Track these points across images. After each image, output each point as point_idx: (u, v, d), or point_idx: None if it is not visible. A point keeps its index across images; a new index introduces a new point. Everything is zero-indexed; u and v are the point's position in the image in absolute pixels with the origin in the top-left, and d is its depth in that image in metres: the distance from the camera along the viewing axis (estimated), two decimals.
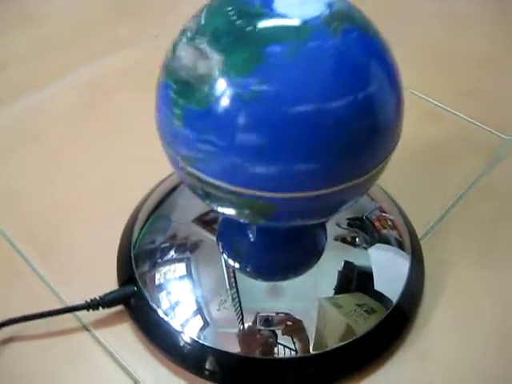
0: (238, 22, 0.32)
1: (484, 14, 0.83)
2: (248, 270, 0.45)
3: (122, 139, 0.61)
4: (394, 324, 0.44)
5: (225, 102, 0.31)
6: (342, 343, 0.42)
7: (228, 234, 0.47)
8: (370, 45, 0.34)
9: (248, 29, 0.32)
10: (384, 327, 0.43)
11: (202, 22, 0.35)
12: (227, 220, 0.47)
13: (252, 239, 0.45)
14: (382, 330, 0.43)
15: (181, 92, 0.33)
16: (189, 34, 0.34)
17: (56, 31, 0.79)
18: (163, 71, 0.35)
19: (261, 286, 0.45)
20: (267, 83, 0.31)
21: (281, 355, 0.41)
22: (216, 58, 0.32)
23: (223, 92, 0.31)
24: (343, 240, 0.49)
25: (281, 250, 0.45)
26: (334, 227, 0.49)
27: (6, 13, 0.83)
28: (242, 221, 0.38)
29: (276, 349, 0.42)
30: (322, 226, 0.47)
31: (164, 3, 0.84)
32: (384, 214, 0.52)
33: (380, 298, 0.45)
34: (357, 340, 0.42)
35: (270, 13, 0.32)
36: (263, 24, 0.32)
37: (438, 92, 0.67)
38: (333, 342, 0.42)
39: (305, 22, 0.32)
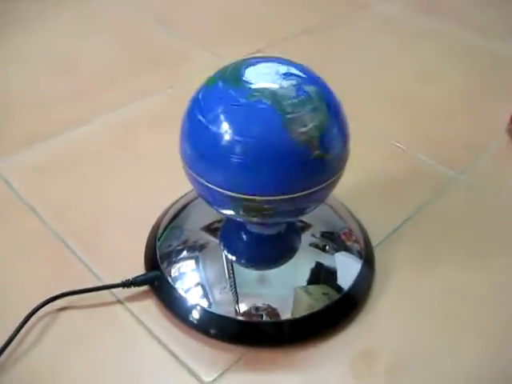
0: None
1: (447, 69, 1.01)
2: (242, 261, 0.61)
3: (145, 169, 0.78)
4: (344, 305, 0.60)
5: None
6: (304, 314, 0.57)
7: (228, 235, 0.62)
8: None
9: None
10: (336, 307, 0.59)
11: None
12: (227, 225, 0.63)
13: (245, 238, 0.61)
14: (335, 308, 0.59)
15: None
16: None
17: (88, 79, 0.96)
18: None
19: (252, 274, 0.61)
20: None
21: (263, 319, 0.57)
22: None
23: None
24: (316, 246, 0.64)
25: (266, 246, 0.62)
26: (310, 237, 0.65)
27: (43, 61, 1.00)
28: (238, 219, 0.54)
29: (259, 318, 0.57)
30: (297, 232, 0.63)
31: (178, 60, 1.02)
32: (349, 231, 0.67)
33: (340, 289, 0.61)
34: (314, 313, 0.57)
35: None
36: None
37: (402, 136, 0.84)
38: (298, 314, 0.57)
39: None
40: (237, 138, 0.48)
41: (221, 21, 1.17)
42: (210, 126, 0.49)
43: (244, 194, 0.49)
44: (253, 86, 0.49)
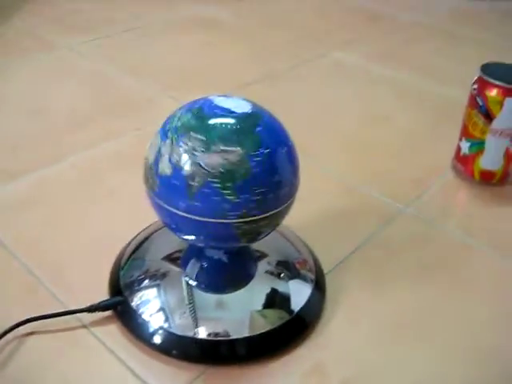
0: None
1: (399, 113, 1.08)
2: (202, 286, 0.65)
3: (111, 204, 0.82)
4: (296, 325, 0.64)
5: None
6: (258, 333, 0.61)
7: (188, 262, 0.66)
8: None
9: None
10: (288, 327, 0.63)
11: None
12: (188, 253, 0.67)
13: (205, 265, 0.65)
14: (287, 328, 0.63)
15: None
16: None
17: (57, 122, 1.01)
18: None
19: (211, 298, 0.65)
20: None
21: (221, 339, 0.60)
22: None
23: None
24: (271, 273, 0.69)
25: (224, 271, 0.66)
26: (265, 265, 0.69)
27: (14, 105, 1.05)
28: (199, 245, 0.58)
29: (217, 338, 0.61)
30: (253, 259, 0.67)
31: (143, 104, 1.08)
32: (303, 260, 0.72)
33: (293, 312, 0.65)
34: (267, 332, 0.62)
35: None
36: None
37: (353, 173, 0.91)
38: (253, 333, 0.61)
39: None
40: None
41: (183, 69, 1.24)
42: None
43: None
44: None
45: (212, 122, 0.55)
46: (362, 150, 0.97)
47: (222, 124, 0.55)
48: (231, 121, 0.55)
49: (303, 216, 0.79)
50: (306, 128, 1.01)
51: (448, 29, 1.53)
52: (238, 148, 0.54)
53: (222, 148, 0.54)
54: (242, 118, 0.56)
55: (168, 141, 0.56)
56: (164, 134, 0.57)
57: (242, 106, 0.57)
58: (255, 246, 0.68)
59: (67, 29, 1.41)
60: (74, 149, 0.94)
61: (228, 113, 0.56)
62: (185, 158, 0.54)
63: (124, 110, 1.06)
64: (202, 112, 0.56)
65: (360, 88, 1.19)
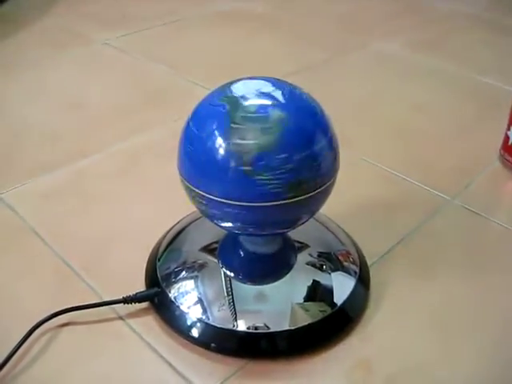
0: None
1: (441, 102, 1.04)
2: (240, 277, 0.63)
3: (148, 195, 0.81)
4: (339, 319, 0.61)
5: None
6: (301, 326, 0.59)
7: (226, 253, 0.64)
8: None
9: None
10: (331, 320, 0.60)
11: None
12: (225, 243, 0.65)
13: (242, 255, 0.63)
14: (329, 322, 0.60)
15: None
16: None
17: (94, 115, 1.01)
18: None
19: (250, 290, 0.62)
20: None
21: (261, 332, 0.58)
22: None
23: None
24: (313, 265, 0.66)
25: (262, 262, 0.64)
26: (307, 256, 0.66)
27: (53, 98, 1.05)
28: (236, 232, 0.56)
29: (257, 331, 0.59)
30: (292, 249, 0.65)
31: (181, 96, 1.06)
32: (346, 251, 0.69)
33: (335, 306, 0.62)
34: (310, 326, 0.59)
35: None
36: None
37: (397, 163, 0.87)
38: (295, 327, 0.59)
39: None
40: (196, 132, 0.53)
41: (220, 61, 1.22)
42: (207, 140, 0.52)
43: (243, 202, 0.52)
44: (228, 93, 0.53)
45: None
46: (406, 140, 0.94)
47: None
48: (279, 101, 0.53)
49: (346, 206, 0.77)
50: (348, 117, 0.98)
51: (490, 18, 1.47)
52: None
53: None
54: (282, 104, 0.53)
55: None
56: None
57: (281, 92, 0.54)
58: (296, 236, 0.66)
59: (104, 24, 1.41)
60: (112, 140, 0.93)
61: (267, 98, 0.53)
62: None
63: (161, 101, 1.05)
64: (235, 97, 0.54)
65: (401, 77, 1.15)
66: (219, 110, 0.53)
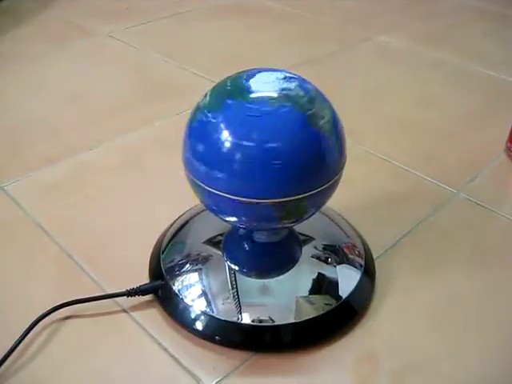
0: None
1: (448, 96, 1.03)
2: (245, 270, 0.62)
3: (151, 188, 0.80)
4: (344, 312, 0.61)
5: None
6: (305, 319, 0.58)
7: (230, 246, 0.64)
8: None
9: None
10: (336, 313, 0.60)
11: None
12: (230, 236, 0.64)
13: (247, 248, 0.62)
14: (335, 314, 0.60)
15: None
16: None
17: (97, 108, 1.00)
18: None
19: (254, 283, 0.62)
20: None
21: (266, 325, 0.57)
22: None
23: None
24: (318, 258, 0.65)
25: (267, 255, 0.63)
26: (312, 249, 0.66)
27: (56, 91, 1.05)
28: (241, 227, 0.55)
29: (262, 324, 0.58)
30: (297, 242, 0.64)
31: (184, 88, 1.05)
32: (352, 244, 0.68)
33: (340, 299, 0.61)
34: (315, 318, 0.58)
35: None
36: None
37: (403, 156, 0.86)
38: (300, 320, 0.58)
39: None
40: (271, 145, 0.50)
41: (225, 53, 1.21)
42: (240, 142, 0.51)
43: (249, 198, 0.51)
44: (265, 94, 0.52)
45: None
46: (411, 133, 0.93)
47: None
48: (274, 95, 0.52)
49: (351, 199, 0.76)
50: (353, 110, 0.98)
51: (495, 10, 1.46)
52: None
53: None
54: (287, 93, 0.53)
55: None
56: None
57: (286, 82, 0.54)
58: (301, 229, 0.65)
59: (107, 16, 1.41)
60: (114, 133, 0.92)
61: (272, 89, 0.53)
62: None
63: (164, 94, 1.04)
64: (241, 86, 0.53)
65: (406, 71, 1.15)
66: (282, 111, 0.51)
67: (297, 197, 0.51)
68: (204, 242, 0.66)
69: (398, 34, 1.31)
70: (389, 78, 1.11)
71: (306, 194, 0.52)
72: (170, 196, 0.77)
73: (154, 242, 0.69)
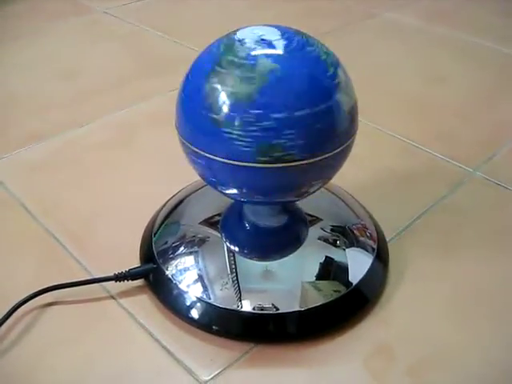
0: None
1: (459, 73, 0.97)
2: (245, 252, 0.56)
3: (146, 165, 0.75)
4: (354, 299, 0.55)
5: None
6: (312, 307, 0.52)
7: (229, 225, 0.58)
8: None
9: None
10: (345, 301, 0.54)
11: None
12: (228, 215, 0.58)
13: (248, 228, 0.57)
14: (344, 302, 0.54)
15: None
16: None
17: (91, 84, 0.94)
18: None
19: (256, 266, 0.56)
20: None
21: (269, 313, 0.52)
22: None
23: None
24: (325, 240, 0.60)
25: (269, 236, 0.58)
26: (319, 230, 0.60)
27: (49, 67, 0.99)
28: (242, 200, 0.50)
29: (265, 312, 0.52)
30: (303, 222, 0.59)
31: (178, 63, 0.99)
32: (363, 226, 0.63)
33: (351, 285, 0.56)
34: (322, 306, 0.53)
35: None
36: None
37: (415, 134, 0.81)
38: (306, 307, 0.52)
39: None
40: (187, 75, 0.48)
41: (223, 29, 1.14)
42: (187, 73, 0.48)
43: (248, 163, 0.46)
44: (230, 37, 0.48)
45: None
46: (423, 111, 0.87)
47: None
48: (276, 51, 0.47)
49: (362, 178, 0.70)
50: (361, 88, 0.90)
51: None
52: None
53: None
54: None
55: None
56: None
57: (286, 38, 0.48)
58: (307, 208, 0.60)
59: None
60: (107, 109, 0.87)
61: (265, 46, 0.47)
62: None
63: (159, 70, 0.99)
64: (233, 40, 0.47)
65: (415, 48, 1.09)
66: (213, 51, 0.47)
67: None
68: (200, 223, 0.61)
69: (406, 10, 1.25)
70: (397, 55, 1.05)
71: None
72: (164, 174, 0.71)
73: (146, 223, 0.63)
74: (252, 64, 0.45)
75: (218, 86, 0.45)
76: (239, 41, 0.47)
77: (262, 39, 0.47)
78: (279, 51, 0.46)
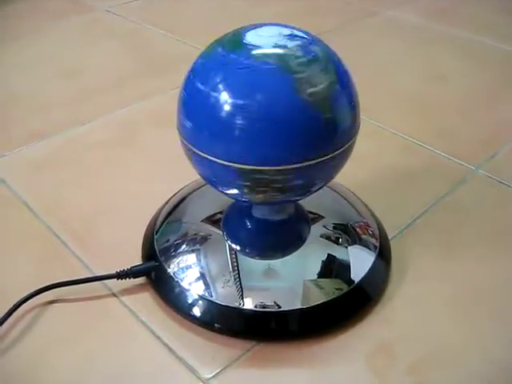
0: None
1: (460, 71, 0.97)
2: (247, 250, 0.56)
3: (148, 163, 0.74)
4: (356, 297, 0.55)
5: None
6: (314, 305, 0.52)
7: (231, 223, 0.58)
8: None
9: None
10: (347, 299, 0.54)
11: None
12: (230, 213, 0.58)
13: (250, 225, 0.57)
14: (346, 300, 0.54)
15: None
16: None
17: (92, 83, 0.94)
18: None
19: (257, 264, 0.56)
20: None
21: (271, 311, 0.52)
22: None
23: None
24: (328, 238, 0.60)
25: (271, 234, 0.58)
26: (321, 228, 0.60)
27: (50, 67, 0.99)
28: (244, 200, 0.50)
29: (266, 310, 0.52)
30: (305, 220, 0.58)
31: (180, 62, 0.99)
32: (365, 223, 0.62)
33: (353, 283, 0.56)
34: (324, 304, 0.53)
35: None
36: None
37: (416, 132, 0.80)
38: (308, 306, 0.52)
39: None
40: (240, 102, 0.44)
41: (224, 28, 1.14)
42: (211, 93, 0.45)
43: (250, 165, 0.45)
44: (255, 49, 0.45)
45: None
46: (424, 109, 0.87)
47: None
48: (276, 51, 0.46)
49: (364, 176, 0.70)
50: (363, 86, 0.90)
51: None
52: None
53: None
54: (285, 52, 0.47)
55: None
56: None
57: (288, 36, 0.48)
58: (309, 206, 0.60)
59: None
60: (109, 108, 0.86)
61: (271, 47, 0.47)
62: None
63: (161, 69, 0.99)
64: (242, 48, 0.47)
65: (416, 46, 1.08)
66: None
67: (301, 164, 0.45)
68: (202, 221, 0.60)
69: (407, 8, 1.24)
70: (397, 54, 1.05)
71: (312, 162, 0.46)
72: (166, 172, 0.71)
73: (148, 221, 0.63)
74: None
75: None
76: (243, 41, 0.46)
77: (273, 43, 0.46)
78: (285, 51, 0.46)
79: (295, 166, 0.45)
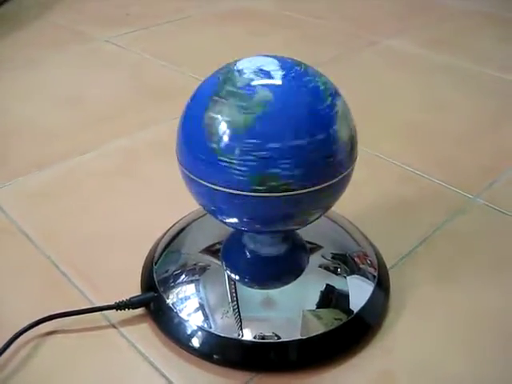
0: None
1: (459, 100, 0.98)
2: (246, 280, 0.56)
3: (147, 193, 0.75)
4: (355, 327, 0.55)
5: None
6: (314, 335, 0.52)
7: (230, 254, 0.58)
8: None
9: None
10: (346, 329, 0.54)
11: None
12: (229, 243, 0.58)
13: (248, 256, 0.57)
14: (345, 330, 0.54)
15: None
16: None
17: (92, 112, 0.95)
18: None
19: (256, 294, 0.56)
20: None
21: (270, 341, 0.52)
22: None
23: None
24: (326, 268, 0.60)
25: (270, 264, 0.58)
26: (319, 258, 0.60)
27: (50, 96, 1.00)
28: (242, 229, 0.50)
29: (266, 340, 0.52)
30: (303, 250, 0.59)
31: (180, 92, 1.00)
32: (363, 253, 0.63)
33: (352, 313, 0.55)
34: (324, 335, 0.52)
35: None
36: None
37: (415, 161, 0.81)
38: (307, 336, 0.52)
39: None
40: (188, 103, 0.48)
41: (223, 58, 1.15)
42: (208, 121, 0.46)
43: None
44: (230, 66, 0.48)
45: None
46: (423, 137, 0.88)
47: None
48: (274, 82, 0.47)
49: (362, 205, 0.71)
50: (361, 114, 0.91)
51: (504, 15, 1.42)
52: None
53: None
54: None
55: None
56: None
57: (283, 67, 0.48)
58: (307, 236, 0.60)
59: (106, 22, 1.37)
60: (109, 137, 0.87)
61: (263, 76, 0.47)
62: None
63: (161, 99, 1.00)
64: (232, 70, 0.48)
65: (415, 75, 1.09)
66: (213, 81, 0.48)
67: (300, 191, 0.46)
68: (201, 251, 0.61)
69: (406, 38, 1.26)
70: (397, 82, 1.06)
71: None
72: (165, 202, 0.72)
73: (147, 252, 0.63)
74: (250, 94, 0.45)
75: (217, 116, 0.46)
76: (238, 71, 0.47)
77: (261, 70, 0.47)
78: (277, 81, 0.47)
79: (291, 193, 0.46)
